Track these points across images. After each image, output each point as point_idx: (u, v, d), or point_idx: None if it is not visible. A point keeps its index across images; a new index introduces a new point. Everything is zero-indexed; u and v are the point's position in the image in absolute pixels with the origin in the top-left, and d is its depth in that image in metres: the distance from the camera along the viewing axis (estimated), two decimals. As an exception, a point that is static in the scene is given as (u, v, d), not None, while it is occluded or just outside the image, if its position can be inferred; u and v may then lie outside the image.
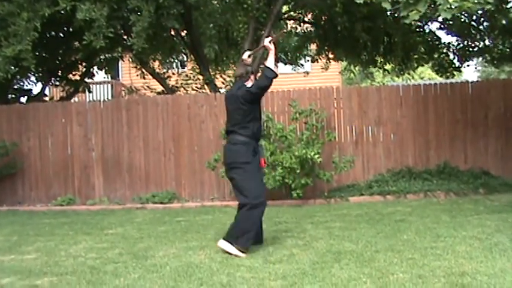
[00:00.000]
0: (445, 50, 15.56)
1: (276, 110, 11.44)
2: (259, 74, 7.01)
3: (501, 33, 13.08)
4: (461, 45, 14.95)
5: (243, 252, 6.16)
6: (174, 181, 11.67)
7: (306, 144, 10.38)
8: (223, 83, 15.69)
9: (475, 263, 5.33)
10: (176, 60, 18.70)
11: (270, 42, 6.52)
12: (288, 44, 17.70)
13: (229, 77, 14.77)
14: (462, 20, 13.34)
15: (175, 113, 11.76)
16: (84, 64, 15.54)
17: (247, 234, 6.24)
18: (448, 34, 14.71)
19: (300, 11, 16.11)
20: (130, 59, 17.27)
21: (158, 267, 5.79)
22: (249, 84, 6.52)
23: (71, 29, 12.82)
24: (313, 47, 17.82)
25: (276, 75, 6.41)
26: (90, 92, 16.97)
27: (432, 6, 7.58)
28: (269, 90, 7.29)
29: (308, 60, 19.25)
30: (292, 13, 16.24)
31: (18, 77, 13.84)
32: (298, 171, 10.09)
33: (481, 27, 13.81)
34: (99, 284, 5.27)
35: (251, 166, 6.37)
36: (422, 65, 17.58)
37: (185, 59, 18.60)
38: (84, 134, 12.00)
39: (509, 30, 12.22)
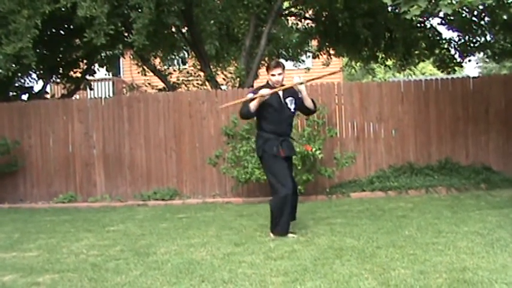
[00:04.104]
0: (446, 46, 15.55)
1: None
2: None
3: (502, 28, 13.06)
4: (463, 40, 14.94)
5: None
6: (175, 178, 11.67)
7: (307, 140, 10.38)
8: (224, 79, 15.67)
9: (476, 259, 5.33)
10: (177, 57, 18.69)
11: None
12: (288, 40, 17.69)
13: (230, 73, 14.76)
14: (463, 15, 13.33)
15: (176, 109, 11.76)
16: (85, 61, 15.53)
17: None
18: (449, 29, 14.69)
19: (300, 7, 16.11)
20: (131, 56, 17.28)
21: (160, 264, 5.79)
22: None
23: (71, 26, 12.81)
24: (314, 43, 17.82)
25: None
26: (91, 89, 16.97)
27: (433, 1, 7.57)
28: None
29: (309, 57, 19.26)
30: (292, 9, 16.25)
31: (19, 74, 13.81)
32: (299, 167, 10.09)
33: (482, 22, 13.79)
34: (101, 281, 5.27)
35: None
36: (424, 61, 17.58)
37: (186, 55, 18.58)
38: (85, 131, 12.01)
39: (510, 26, 12.19)
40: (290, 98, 7.20)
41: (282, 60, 18.16)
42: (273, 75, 7.10)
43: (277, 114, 7.11)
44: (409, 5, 7.58)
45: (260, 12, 13.22)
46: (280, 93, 7.15)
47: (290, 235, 6.91)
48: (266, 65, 7.44)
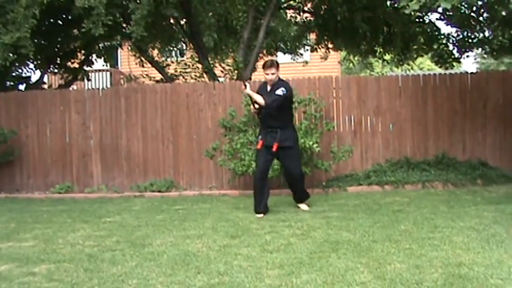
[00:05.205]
0: (444, 41, 15.53)
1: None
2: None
3: (501, 24, 13.04)
4: (461, 36, 14.92)
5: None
6: (172, 169, 11.65)
7: (304, 134, 10.36)
8: (222, 71, 15.65)
9: (472, 254, 5.35)
10: (175, 49, 18.64)
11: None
12: (287, 34, 17.66)
13: (228, 65, 14.74)
14: (462, 10, 13.30)
15: (173, 101, 11.73)
16: (83, 52, 15.49)
17: None
18: (447, 25, 14.68)
19: (299, 0, 16.08)
20: (129, 47, 17.22)
21: (156, 256, 5.80)
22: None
23: (69, 17, 12.76)
24: (312, 36, 17.79)
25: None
26: (88, 80, 16.94)
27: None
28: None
29: (307, 50, 19.23)
30: (291, 2, 16.21)
31: (16, 64, 13.73)
32: (296, 160, 10.08)
33: (480, 18, 13.77)
34: (97, 272, 5.28)
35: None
36: (422, 56, 17.57)
37: (184, 47, 18.53)
38: (83, 122, 11.97)
39: (509, 22, 12.18)
40: (272, 93, 7.94)
41: (280, 54, 18.35)
42: (266, 74, 7.92)
43: (262, 109, 8.04)
44: (408, -1, 7.58)
45: (259, 4, 13.19)
46: (269, 88, 8.02)
47: (258, 215, 7.95)
48: (263, 62, 7.98)
